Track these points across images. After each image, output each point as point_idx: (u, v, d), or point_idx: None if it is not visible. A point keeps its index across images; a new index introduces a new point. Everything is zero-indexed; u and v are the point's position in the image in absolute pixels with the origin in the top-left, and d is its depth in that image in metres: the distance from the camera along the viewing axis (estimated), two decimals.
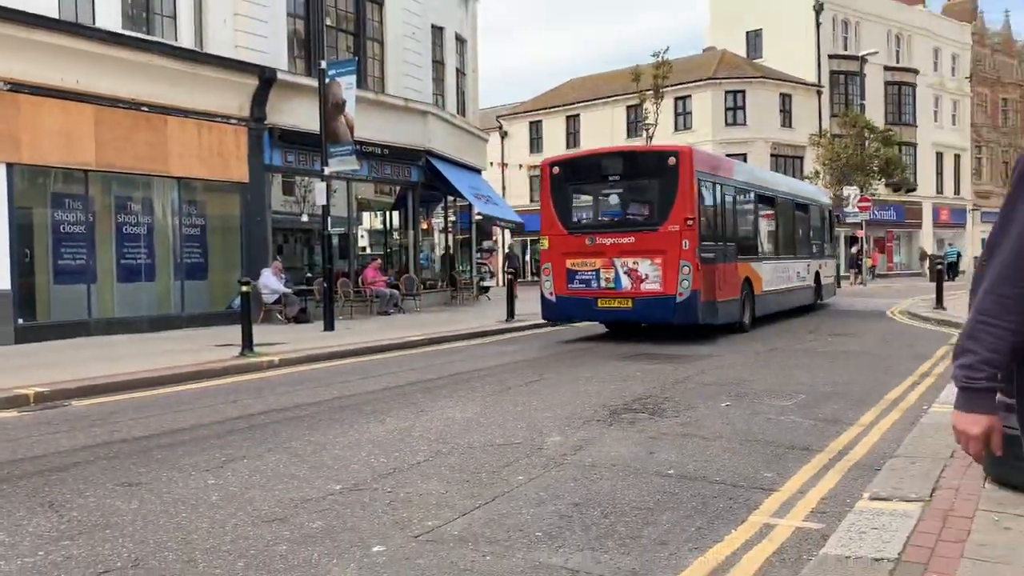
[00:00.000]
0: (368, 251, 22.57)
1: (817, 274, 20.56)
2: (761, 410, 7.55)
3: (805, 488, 5.06)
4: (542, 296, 14.49)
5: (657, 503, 4.81)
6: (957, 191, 52.20)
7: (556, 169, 14.40)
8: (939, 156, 50.74)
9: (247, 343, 11.58)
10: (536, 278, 40.46)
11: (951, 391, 7.57)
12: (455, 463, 5.78)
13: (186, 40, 16.51)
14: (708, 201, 14.13)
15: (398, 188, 22.32)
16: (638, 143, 34.23)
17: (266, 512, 4.76)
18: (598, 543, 4.17)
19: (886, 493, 4.52)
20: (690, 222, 13.07)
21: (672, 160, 13.28)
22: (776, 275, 17.16)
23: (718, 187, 14.56)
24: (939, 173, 50.90)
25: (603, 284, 13.59)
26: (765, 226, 17.36)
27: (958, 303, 20.05)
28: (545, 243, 14.40)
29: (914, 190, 46.71)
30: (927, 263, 41.64)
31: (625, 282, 13.42)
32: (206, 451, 6.30)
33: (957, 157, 52.13)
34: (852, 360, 11.00)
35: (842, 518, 4.24)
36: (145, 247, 16.07)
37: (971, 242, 52.93)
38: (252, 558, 4.05)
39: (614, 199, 14.14)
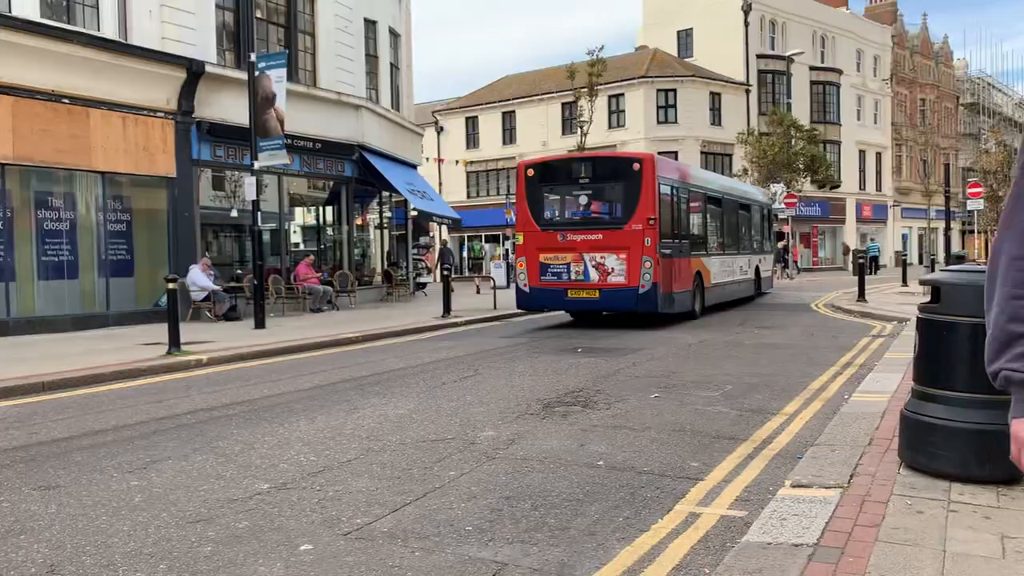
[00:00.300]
0: (301, 247, 22.20)
1: (757, 268, 22.09)
2: (689, 401, 7.68)
3: (730, 477, 5.16)
4: (517, 287, 15.68)
5: (587, 494, 4.85)
6: (879, 188, 53.86)
7: (531, 171, 15.59)
8: (862, 154, 52.29)
9: (174, 342, 11.29)
10: (472, 274, 40.62)
11: (871, 380, 7.85)
12: (387, 460, 5.73)
13: (109, 31, 15.98)
14: (667, 202, 15.36)
15: (331, 183, 22.03)
16: (572, 140, 34.47)
17: (191, 513, 4.64)
18: (528, 536, 4.18)
19: (807, 480, 4.64)
20: (652, 221, 14.43)
21: (636, 166, 14.70)
22: (723, 269, 18.68)
23: (675, 190, 15.91)
24: (862, 170, 52.46)
25: (573, 276, 14.89)
26: (714, 224, 18.76)
27: (879, 296, 20.74)
28: (520, 239, 15.57)
29: (838, 187, 47.98)
30: (850, 257, 42.98)
31: (593, 275, 14.75)
32: (129, 452, 6.12)
33: (879, 155, 53.80)
34: (778, 352, 11.27)
35: (764, 505, 4.34)
36: (68, 243, 15.52)
37: (892, 237, 54.80)
38: (175, 560, 3.94)
39: (583, 199, 15.40)
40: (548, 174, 15.75)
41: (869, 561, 3.47)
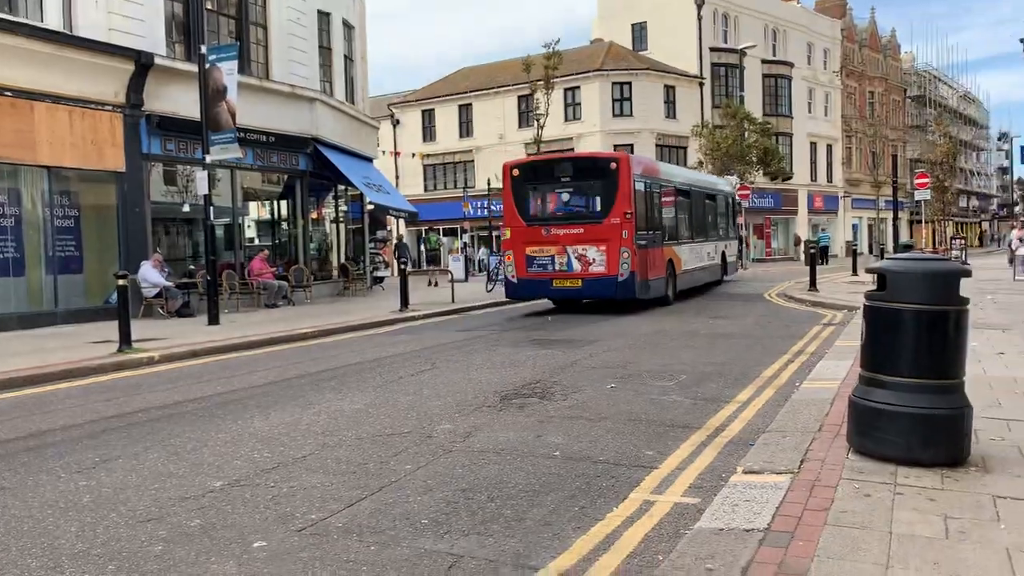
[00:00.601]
0: (256, 242, 21.92)
1: (723, 254, 23.58)
2: (644, 391, 7.74)
3: (684, 464, 5.22)
4: (505, 279, 17.00)
5: (543, 485, 4.86)
6: (830, 179, 54.82)
7: (516, 171, 16.76)
8: (813, 146, 53.15)
9: (125, 339, 11.07)
10: (429, 267, 40.48)
11: (822, 368, 7.99)
12: (342, 455, 5.68)
13: (54, 22, 15.56)
14: (641, 197, 16.51)
15: (286, 177, 21.77)
16: (529, 133, 34.48)
17: (141, 512, 4.56)
18: (484, 527, 4.18)
19: (758, 466, 4.70)
20: (628, 215, 15.62)
21: (613, 165, 15.93)
22: (692, 256, 20.04)
23: (649, 185, 17.14)
24: (813, 162, 53.32)
25: (557, 267, 16.07)
26: (683, 215, 19.94)
27: (830, 285, 21.13)
28: (507, 233, 16.75)
29: (790, 178, 48.73)
30: (801, 248, 43.63)
31: (576, 265, 15.94)
32: (78, 452, 5.98)
33: (829, 147, 54.75)
34: (732, 341, 11.41)
35: (717, 492, 4.39)
36: (13, 240, 15.11)
37: (843, 228, 55.81)
38: (124, 560, 3.87)
39: (566, 196, 16.57)
40: (532, 173, 16.82)
41: (818, 544, 3.53)
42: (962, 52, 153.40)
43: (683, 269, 18.86)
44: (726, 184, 26.99)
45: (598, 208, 16.01)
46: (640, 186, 16.41)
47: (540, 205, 16.72)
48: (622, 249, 15.52)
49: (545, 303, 18.22)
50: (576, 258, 15.88)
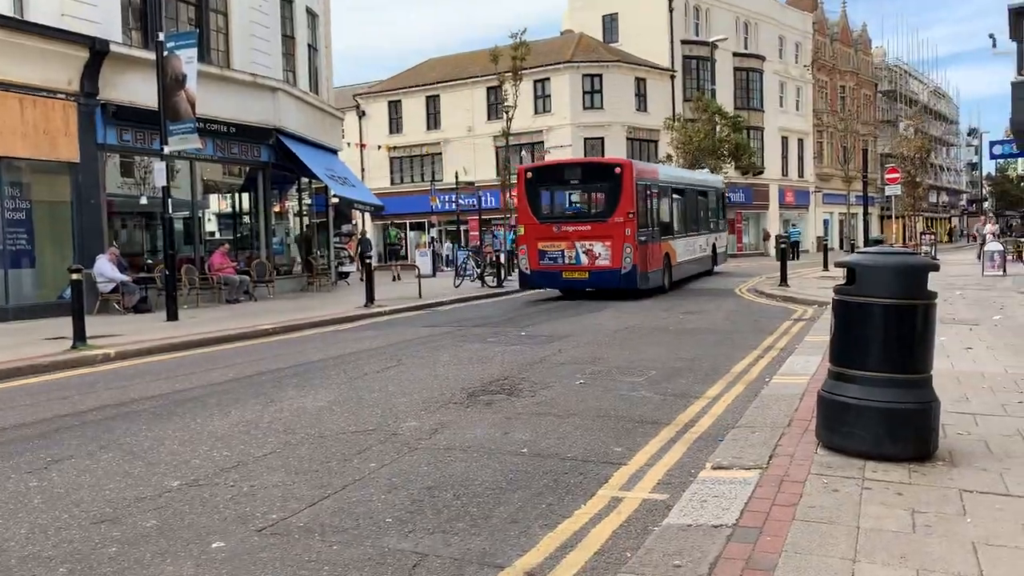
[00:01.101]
0: (216, 236, 21.66)
1: (714, 245, 26.31)
2: (614, 387, 7.78)
3: (652, 461, 5.26)
4: (520, 270, 19.26)
5: (510, 483, 4.87)
6: (801, 174, 55.38)
7: (530, 174, 18.97)
8: (784, 140, 53.67)
9: (79, 335, 10.88)
10: (391, 262, 40.36)
11: (792, 363, 8.09)
12: (304, 453, 5.65)
13: (4, 6, 15.25)
14: (642, 197, 18.56)
15: (247, 169, 21.53)
16: (498, 126, 34.45)
17: (95, 513, 4.49)
18: (449, 525, 4.18)
19: (727, 462, 4.75)
20: (631, 215, 17.67)
21: (618, 170, 18.05)
22: (686, 249, 22.40)
23: (648, 186, 19.25)
24: (784, 156, 53.82)
25: (567, 261, 18.13)
26: (678, 212, 22.17)
27: (800, 281, 21.37)
28: (522, 230, 18.90)
29: (761, 173, 49.14)
30: (771, 243, 44.07)
31: (583, 259, 17.98)
32: (29, 452, 5.88)
33: (800, 141, 55.29)
34: (702, 336, 11.51)
35: (686, 488, 4.43)
36: None
37: (814, 222, 56.44)
38: (77, 562, 3.81)
39: (575, 197, 19.32)
40: (544, 176, 19.21)
41: (786, 539, 3.57)
42: (932, 48, 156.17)
43: (678, 261, 21.15)
44: (717, 180, 29.17)
45: (604, 208, 18.18)
46: (641, 188, 18.41)
47: (551, 205, 19.10)
48: (625, 245, 17.52)
49: (521, 296, 19.65)
50: (584, 252, 17.89)
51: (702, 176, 28.16)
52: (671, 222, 21.33)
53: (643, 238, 18.16)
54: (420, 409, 6.99)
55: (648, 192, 19.21)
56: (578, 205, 19.23)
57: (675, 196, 21.87)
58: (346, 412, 6.95)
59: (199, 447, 5.90)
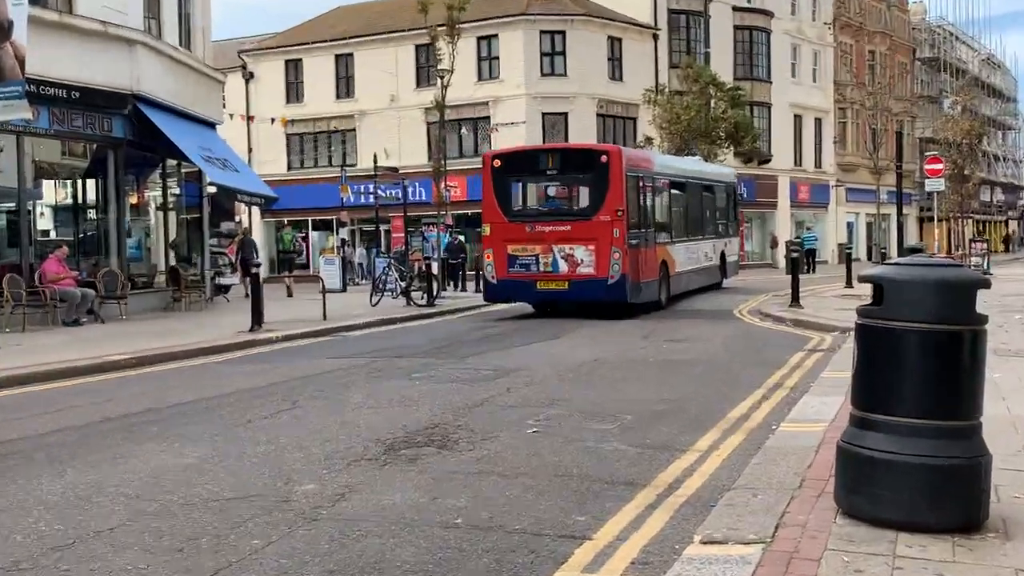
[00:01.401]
0: (52, 235, 21.35)
1: (722, 254, 27.08)
2: (577, 437, 7.82)
3: (626, 534, 5.28)
4: (484, 280, 19.89)
5: (438, 564, 4.85)
6: (818, 164, 55.99)
7: (498, 162, 19.54)
8: (797, 120, 54.28)
9: None
10: (283, 273, 40.13)
11: (804, 406, 8.20)
12: (165, 527, 5.57)
13: None
14: (633, 192, 19.19)
15: (95, 147, 21.33)
16: (430, 94, 34.53)
17: None
18: None
19: (721, 535, 4.78)
20: (620, 213, 18.20)
21: (604, 158, 18.65)
22: (687, 256, 23.28)
23: (641, 179, 19.86)
24: (797, 141, 54.38)
25: (542, 268, 18.69)
26: (678, 211, 23.15)
27: (817, 300, 21.71)
28: (487, 230, 19.40)
29: (768, 162, 49.79)
30: (779, 251, 44.28)
31: (562, 266, 18.57)
32: None
33: (818, 121, 55.90)
34: (691, 370, 11.64)
35: (667, 569, 4.45)
36: None
37: (835, 226, 57.01)
38: None
39: (552, 190, 20.00)
40: (515, 165, 19.94)
41: None
42: (986, 5, 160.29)
43: (677, 271, 21.97)
44: (727, 173, 30.28)
45: (587, 204, 18.92)
46: (632, 180, 19.09)
47: (523, 200, 19.84)
48: (613, 249, 18.06)
49: (465, 316, 20.34)
50: (563, 258, 18.48)
51: (708, 168, 29.07)
52: (669, 223, 22.09)
53: (634, 241, 18.72)
54: (321, 468, 6.94)
55: (641, 185, 19.80)
56: (556, 200, 20.01)
57: (674, 192, 22.74)
58: (222, 472, 6.88)
59: (23, 519, 5.80)
